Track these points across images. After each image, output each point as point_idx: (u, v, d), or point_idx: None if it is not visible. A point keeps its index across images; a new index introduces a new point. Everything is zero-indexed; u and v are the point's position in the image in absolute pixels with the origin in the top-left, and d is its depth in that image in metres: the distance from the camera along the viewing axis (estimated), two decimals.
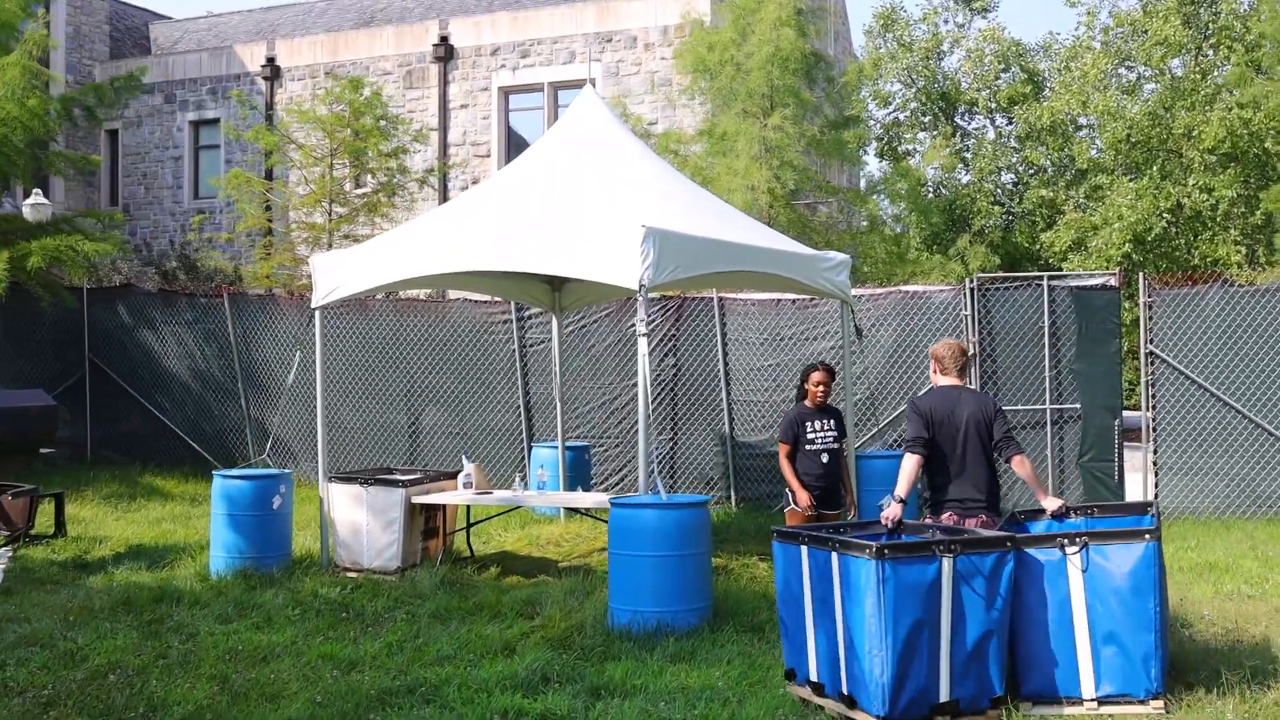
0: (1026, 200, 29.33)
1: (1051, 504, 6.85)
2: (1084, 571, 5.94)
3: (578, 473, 12.93)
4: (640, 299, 8.18)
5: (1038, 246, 27.89)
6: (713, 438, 13.86)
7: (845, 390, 10.98)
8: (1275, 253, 20.55)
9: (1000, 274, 16.19)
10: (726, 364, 13.75)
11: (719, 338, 13.75)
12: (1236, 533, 11.46)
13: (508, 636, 7.50)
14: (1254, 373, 12.41)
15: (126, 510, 13.28)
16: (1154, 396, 12.71)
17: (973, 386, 12.56)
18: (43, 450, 13.95)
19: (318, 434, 10.31)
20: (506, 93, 26.74)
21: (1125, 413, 13.24)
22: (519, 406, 14.45)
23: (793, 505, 8.75)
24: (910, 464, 6.81)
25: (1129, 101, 26.04)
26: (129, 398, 16.27)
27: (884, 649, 5.56)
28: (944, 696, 5.69)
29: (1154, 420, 12.69)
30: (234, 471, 9.98)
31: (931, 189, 30.58)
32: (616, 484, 13.95)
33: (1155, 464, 12.67)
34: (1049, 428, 12.73)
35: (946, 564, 5.70)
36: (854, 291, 12.56)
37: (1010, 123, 30.97)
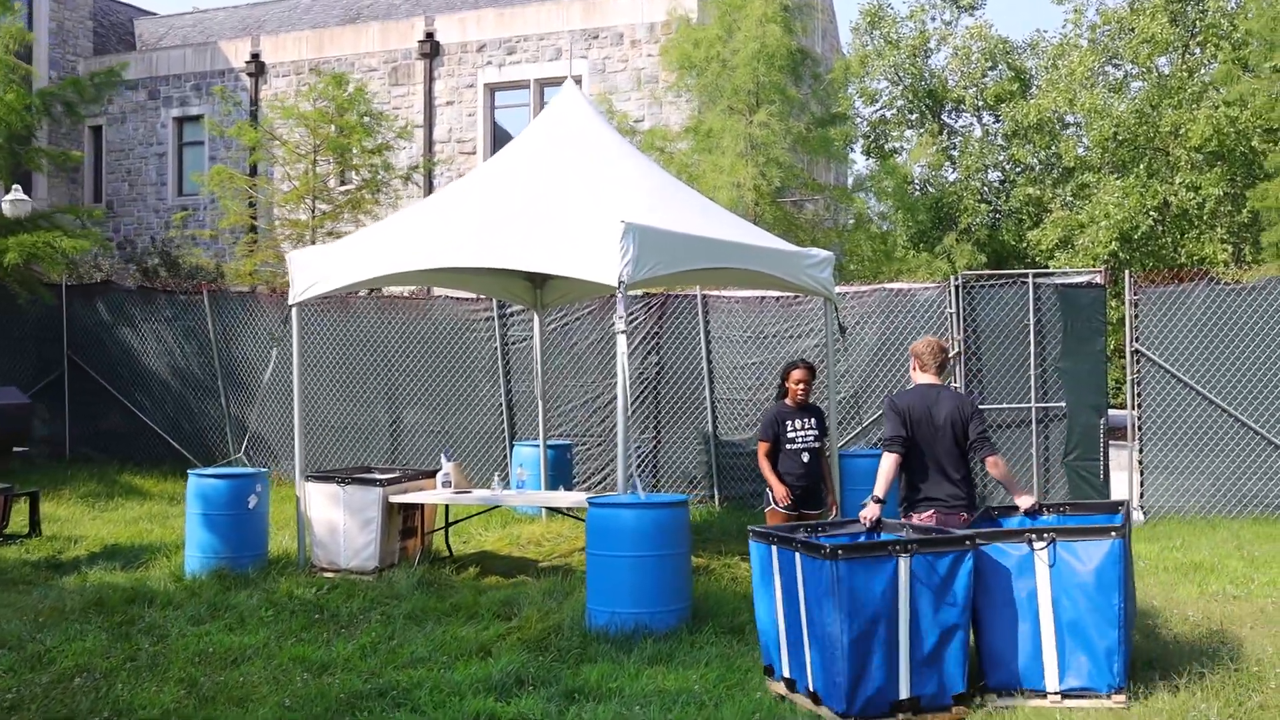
0: (1013, 198, 29.34)
1: (1025, 502, 6.86)
2: (1051, 567, 5.99)
3: (559, 471, 12.82)
4: (619, 296, 8.06)
5: (1024, 245, 27.89)
6: (696, 436, 13.76)
7: (829, 388, 10.89)
8: (1261, 251, 20.51)
9: (985, 271, 16.12)
10: (710, 362, 13.65)
11: (702, 335, 13.65)
12: (1222, 532, 11.39)
13: (484, 638, 7.38)
14: (1240, 371, 12.35)
15: (104, 509, 13.14)
16: (1139, 395, 12.64)
17: (952, 385, 12.55)
18: (16, 450, 13.82)
19: (295, 432, 10.19)
20: (492, 89, 26.62)
21: (1111, 411, 13.18)
22: (501, 405, 14.33)
23: (773, 505, 8.64)
24: (888, 463, 6.83)
25: (1116, 99, 26.04)
26: (108, 395, 16.11)
27: (841, 647, 5.63)
28: (904, 693, 5.75)
29: (1139, 419, 12.62)
30: (209, 470, 9.85)
31: (918, 187, 30.55)
32: (599, 483, 13.84)
33: (1141, 463, 12.61)
34: (1034, 426, 12.65)
35: (903, 564, 5.77)
36: (838, 289, 12.47)
37: (997, 120, 30.98)
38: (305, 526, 9.90)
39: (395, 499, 9.76)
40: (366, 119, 22.00)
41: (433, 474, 10.35)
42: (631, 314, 13.75)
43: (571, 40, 25.41)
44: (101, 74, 16.29)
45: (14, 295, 15.57)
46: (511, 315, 14.24)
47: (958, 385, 12.65)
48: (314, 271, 9.73)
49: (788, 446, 8.71)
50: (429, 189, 25.37)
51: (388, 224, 10.05)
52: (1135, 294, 12.66)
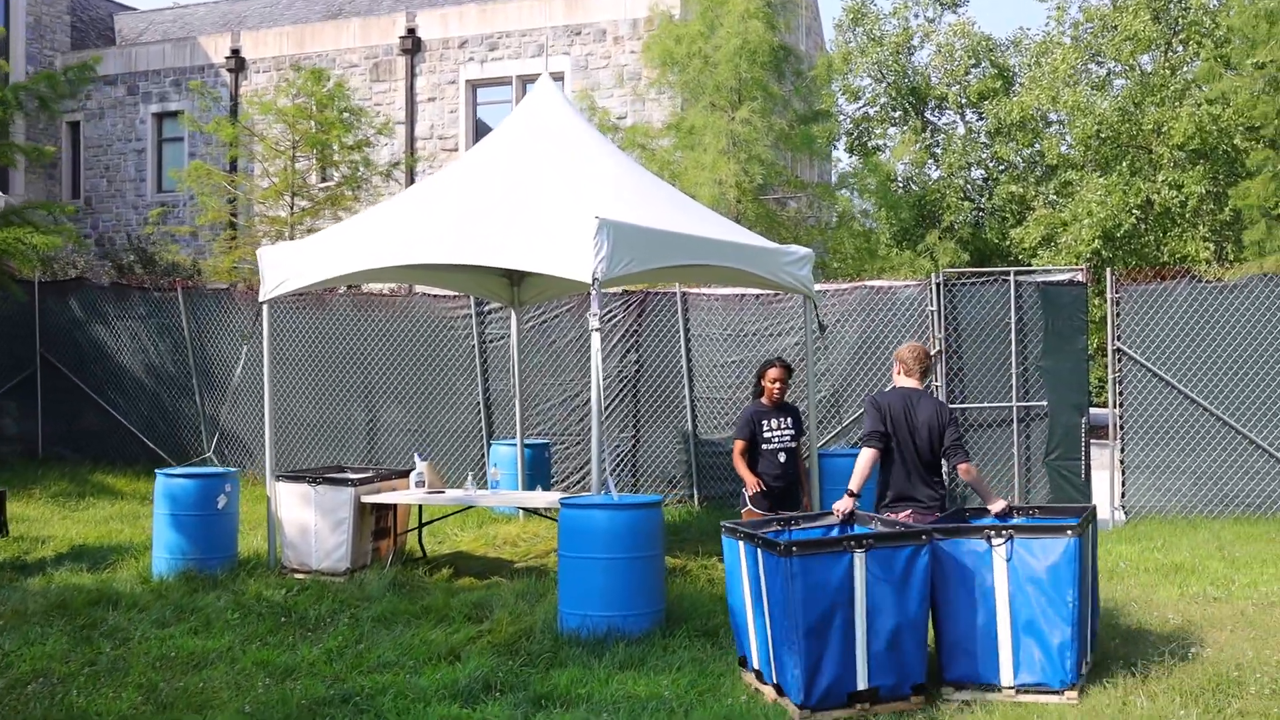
0: (996, 196, 29.29)
1: (997, 505, 6.92)
2: (1008, 563, 6.08)
3: (537, 471, 12.69)
4: (593, 292, 7.93)
5: (1008, 243, 27.84)
6: (675, 435, 13.63)
7: (808, 387, 10.77)
8: (1244, 249, 20.48)
9: (967, 269, 16.03)
10: (690, 360, 13.53)
11: (682, 333, 13.52)
12: (1203, 532, 11.30)
13: (453, 642, 7.24)
14: (1222, 370, 12.28)
15: (74, 509, 12.95)
16: (1121, 394, 12.56)
17: (933, 388, 12.44)
18: None
19: (265, 431, 10.03)
20: (474, 86, 26.47)
21: (1092, 410, 13.10)
22: (479, 403, 14.18)
23: (749, 506, 8.53)
24: (865, 458, 7.01)
25: (1099, 97, 25.99)
26: (82, 394, 15.90)
27: (797, 640, 5.75)
28: (862, 685, 5.87)
29: (1121, 418, 12.54)
30: (177, 470, 9.67)
31: (901, 184, 30.47)
32: (578, 483, 13.71)
33: (1122, 462, 12.52)
34: (1015, 425, 12.56)
35: (858, 559, 5.86)
36: (818, 287, 12.35)
37: (980, 118, 30.93)
38: (276, 527, 9.74)
39: (367, 499, 9.61)
40: (346, 115, 21.82)
41: (406, 474, 10.19)
42: (610, 311, 13.62)
43: (554, 36, 25.26)
44: (75, 68, 15.97)
45: None
46: (490, 313, 14.09)
47: (939, 384, 12.55)
48: (285, 268, 9.58)
49: (764, 447, 8.61)
50: (411, 185, 25.18)
51: (360, 220, 9.90)
52: (1117, 292, 12.58)
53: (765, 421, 8.64)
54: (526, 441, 12.77)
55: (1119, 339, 12.52)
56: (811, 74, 21.59)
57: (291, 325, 14.75)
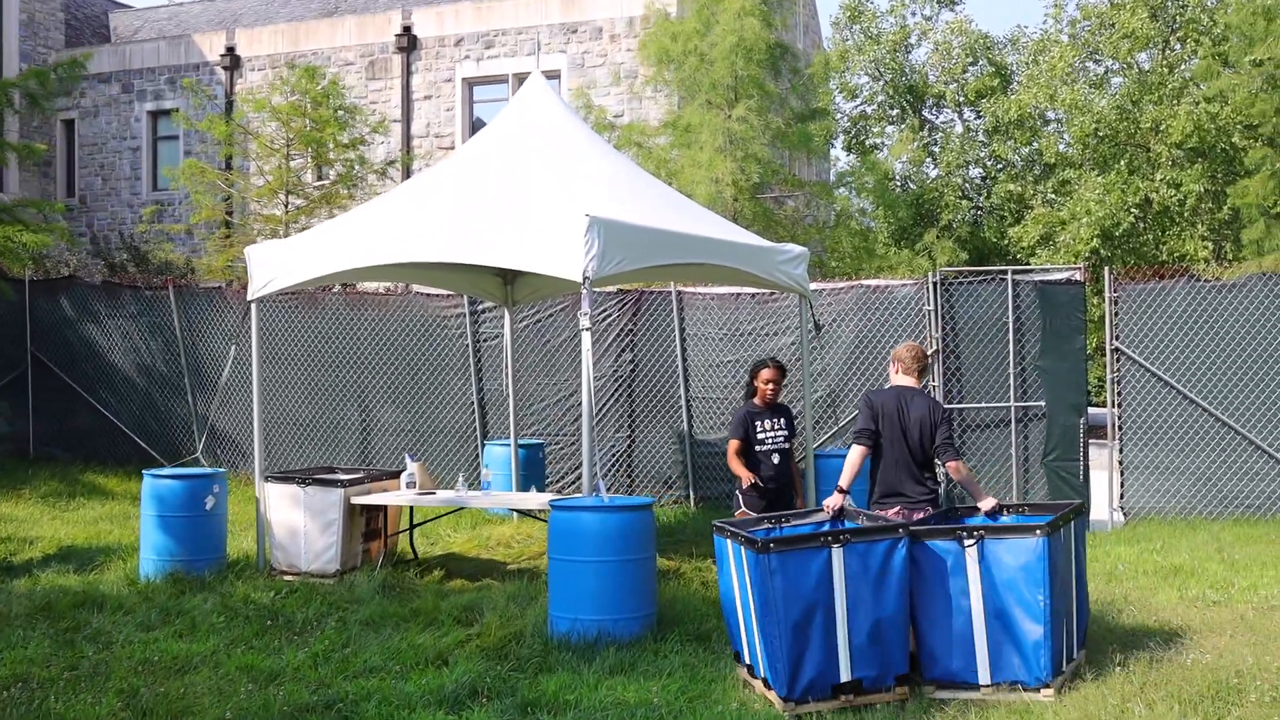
0: (994, 195, 29.18)
1: (986, 504, 7.00)
2: (980, 564, 6.13)
3: (531, 471, 12.57)
4: (584, 291, 7.82)
5: (1006, 241, 27.73)
6: (671, 436, 13.52)
7: (804, 387, 10.65)
8: (1242, 248, 20.37)
9: (964, 268, 15.93)
10: (685, 360, 13.41)
11: (677, 333, 13.41)
12: (1202, 534, 11.19)
13: (441, 646, 7.13)
14: (1220, 370, 12.17)
15: (64, 509, 12.83)
16: (1120, 394, 12.45)
17: (930, 389, 12.33)
18: None
19: (254, 431, 9.92)
20: (470, 84, 26.37)
21: (1091, 410, 12.99)
22: (473, 403, 14.07)
23: (744, 508, 8.43)
24: (854, 455, 7.17)
25: (1097, 95, 25.88)
26: (73, 393, 15.77)
27: (779, 635, 5.86)
28: (845, 677, 5.97)
29: (1120, 418, 12.43)
30: (164, 471, 9.55)
31: (899, 183, 30.36)
32: (573, 484, 13.59)
33: (1121, 463, 12.42)
34: (1013, 426, 12.45)
35: (836, 554, 5.96)
36: (814, 286, 12.26)
37: (978, 116, 30.82)
38: (265, 528, 9.64)
39: (357, 500, 9.50)
40: (340, 113, 21.71)
41: (397, 474, 10.09)
42: (605, 311, 13.51)
43: (550, 34, 25.16)
44: (65, 65, 15.91)
45: None
46: (484, 312, 13.97)
47: (935, 384, 12.44)
48: (273, 267, 9.47)
49: (758, 448, 8.52)
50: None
51: (349, 218, 9.78)
52: (1115, 291, 12.47)
53: (759, 422, 8.54)
54: (521, 442, 12.66)
55: (1117, 338, 12.42)
56: (809, 72, 21.49)
57: (285, 324, 14.63)
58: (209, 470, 9.72)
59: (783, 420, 8.65)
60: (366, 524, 9.73)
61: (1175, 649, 6.91)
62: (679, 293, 13.42)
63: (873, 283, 13.21)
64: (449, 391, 14.19)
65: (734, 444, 8.59)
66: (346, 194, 21.46)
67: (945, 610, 6.17)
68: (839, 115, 30.97)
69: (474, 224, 8.64)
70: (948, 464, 7.04)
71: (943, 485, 8.59)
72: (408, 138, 26.39)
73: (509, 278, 12.05)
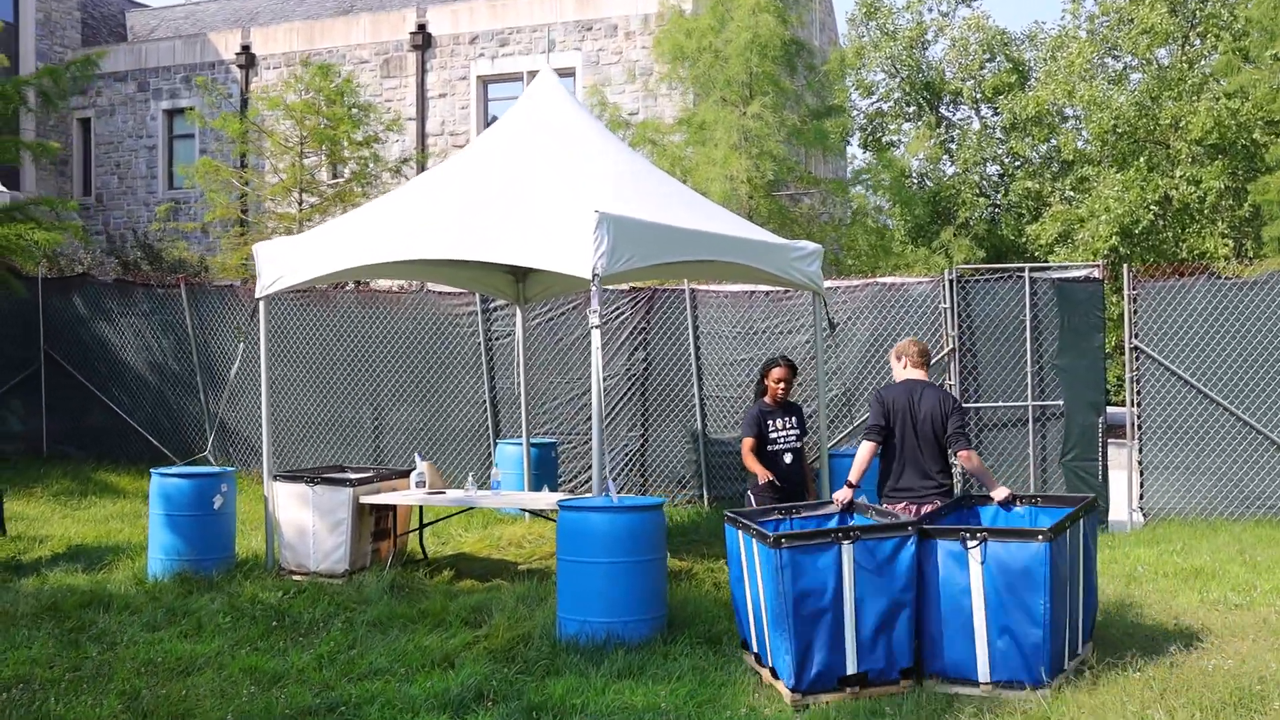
0: (1012, 192, 28.97)
1: (1000, 493, 7.10)
2: (983, 565, 6.15)
3: (544, 470, 12.47)
4: (594, 289, 7.71)
5: (1023, 239, 27.53)
6: (684, 435, 13.40)
7: (818, 385, 10.52)
8: (1264, 245, 20.15)
9: (981, 265, 15.77)
10: (698, 358, 13.30)
11: (691, 330, 13.29)
12: (1224, 535, 11.01)
13: (449, 648, 7.03)
14: (1241, 368, 11.99)
15: (75, 508, 12.80)
16: (1139, 392, 12.28)
17: (945, 383, 12.19)
18: None
19: (262, 430, 9.85)
20: (485, 82, 26.32)
21: (1110, 409, 12.82)
22: (485, 402, 13.98)
23: (754, 504, 8.32)
24: (864, 450, 7.24)
25: (1115, 91, 25.64)
26: (86, 391, 15.75)
27: (788, 628, 5.97)
28: (851, 669, 6.08)
29: (1139, 417, 12.26)
30: (172, 470, 9.49)
31: (916, 180, 30.17)
32: (585, 483, 13.49)
33: (1140, 463, 12.25)
34: (1030, 425, 12.29)
35: (846, 550, 6.06)
36: (829, 283, 12.12)
37: (995, 113, 30.62)
38: (274, 528, 9.56)
39: (366, 500, 9.42)
40: (354, 111, 21.67)
41: (407, 474, 10.00)
42: (618, 309, 13.41)
43: (565, 32, 25.08)
44: (79, 63, 15.88)
45: None
46: (496, 310, 13.88)
47: (951, 382, 12.29)
48: (281, 264, 9.39)
49: (770, 448, 8.43)
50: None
51: (357, 215, 9.69)
52: (1134, 289, 12.29)
53: (771, 421, 8.45)
54: (533, 440, 12.55)
55: (1137, 337, 12.25)
56: (824, 68, 21.36)
57: (296, 322, 14.58)
58: (217, 469, 9.64)
59: (794, 419, 8.56)
60: (376, 524, 9.63)
61: (1196, 653, 6.76)
62: (692, 290, 13.29)
63: (888, 280, 13.06)
64: (461, 390, 14.11)
65: (748, 441, 8.50)
66: (361, 192, 21.42)
67: (949, 608, 6.22)
68: (855, 112, 30.82)
69: (482, 221, 8.55)
70: (959, 453, 7.09)
71: (958, 482, 8.52)
72: (422, 135, 26.36)
73: (520, 275, 11.95)
